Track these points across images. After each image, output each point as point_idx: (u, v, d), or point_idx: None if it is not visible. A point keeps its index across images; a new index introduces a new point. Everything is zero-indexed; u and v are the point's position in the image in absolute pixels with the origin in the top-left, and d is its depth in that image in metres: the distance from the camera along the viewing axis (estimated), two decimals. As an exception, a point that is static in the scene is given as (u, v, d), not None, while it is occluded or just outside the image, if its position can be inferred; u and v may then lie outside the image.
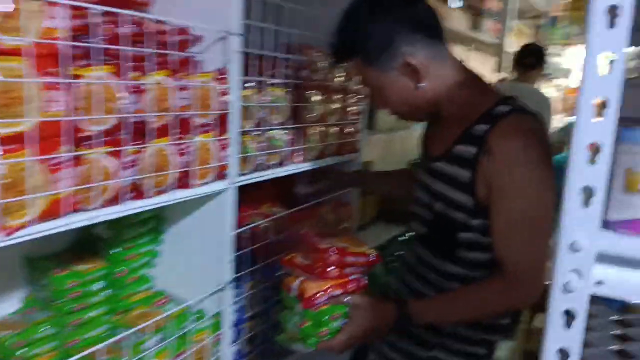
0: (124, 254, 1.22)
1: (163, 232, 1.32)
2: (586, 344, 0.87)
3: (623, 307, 1.08)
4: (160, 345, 1.14)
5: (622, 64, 0.55)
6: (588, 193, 0.57)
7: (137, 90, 0.97)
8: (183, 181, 1.11)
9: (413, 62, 1.12)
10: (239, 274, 1.34)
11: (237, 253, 1.29)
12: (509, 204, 1.07)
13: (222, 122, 1.18)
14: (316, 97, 1.51)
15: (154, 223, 1.29)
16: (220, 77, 1.16)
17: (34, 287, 1.16)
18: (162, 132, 1.04)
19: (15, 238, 0.79)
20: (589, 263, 0.59)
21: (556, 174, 1.03)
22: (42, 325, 1.07)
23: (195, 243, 1.29)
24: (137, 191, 1.01)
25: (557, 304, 0.61)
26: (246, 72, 1.23)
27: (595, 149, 0.56)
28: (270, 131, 1.36)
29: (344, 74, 1.66)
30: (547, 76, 6.25)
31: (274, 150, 1.37)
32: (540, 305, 1.12)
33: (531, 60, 3.48)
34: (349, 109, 1.71)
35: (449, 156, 1.15)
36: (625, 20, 0.54)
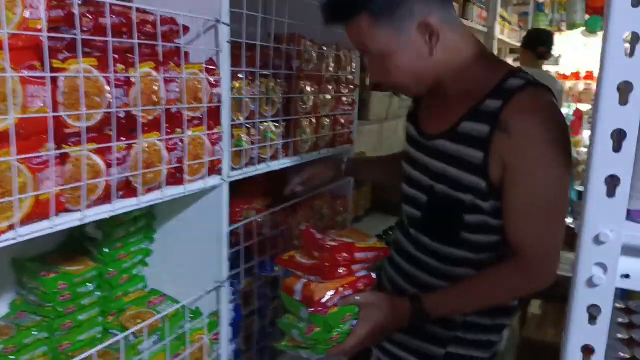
0: (115, 253, 1.18)
1: (155, 230, 1.29)
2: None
3: (624, 293, 1.06)
4: (157, 346, 1.10)
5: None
6: (612, 182, 0.54)
7: (123, 84, 0.93)
8: (174, 177, 1.07)
9: (432, 22, 1.01)
10: (234, 271, 1.30)
11: (232, 250, 1.26)
12: (528, 185, 1.00)
13: (212, 115, 1.14)
14: (308, 88, 1.48)
15: (145, 221, 1.25)
16: (209, 68, 1.12)
17: (22, 290, 1.12)
18: (151, 126, 1.00)
19: (0, 242, 0.75)
20: (615, 256, 0.57)
21: None
22: (32, 329, 1.04)
23: (188, 240, 1.25)
24: (127, 189, 0.97)
25: (581, 299, 0.58)
26: (236, 63, 1.19)
27: (619, 136, 0.53)
28: (263, 123, 1.32)
29: (335, 63, 1.63)
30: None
31: (267, 144, 1.34)
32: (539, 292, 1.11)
33: (542, 49, 3.51)
34: (342, 99, 1.67)
35: (453, 133, 1.08)
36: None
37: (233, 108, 1.21)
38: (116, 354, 1.05)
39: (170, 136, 1.03)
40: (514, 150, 1.00)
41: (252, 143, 1.29)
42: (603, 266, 0.57)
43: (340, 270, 1.05)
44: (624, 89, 0.52)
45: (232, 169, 1.23)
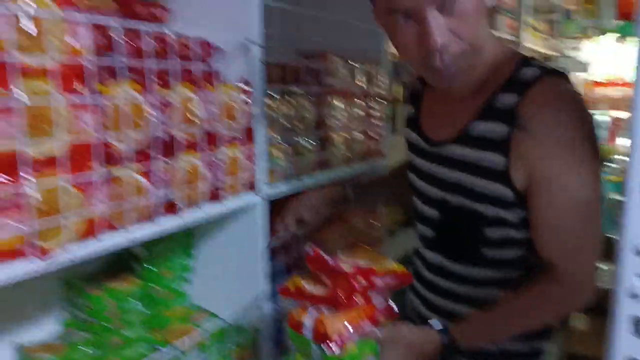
0: (158, 270, 1.22)
1: (196, 247, 1.32)
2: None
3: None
4: (200, 361, 1.12)
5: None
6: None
7: (163, 105, 0.97)
8: (214, 195, 1.10)
9: None
10: (274, 287, 1.32)
11: (271, 265, 1.28)
12: (556, 193, 0.89)
13: (248, 133, 1.17)
14: (339, 104, 1.50)
15: (186, 238, 1.29)
16: (243, 87, 1.15)
17: (72, 308, 1.16)
18: (190, 146, 1.03)
19: (51, 261, 0.79)
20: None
21: None
22: (82, 346, 1.07)
23: (228, 257, 1.28)
24: (169, 207, 1.00)
25: (623, 310, 0.57)
26: (269, 81, 1.23)
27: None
28: (296, 140, 1.35)
29: (366, 78, 1.65)
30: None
31: (301, 160, 1.36)
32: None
33: None
34: (372, 113, 1.69)
35: (465, 137, 0.97)
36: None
37: (268, 126, 1.23)
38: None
39: (208, 154, 1.06)
40: (537, 153, 0.89)
41: (287, 160, 1.32)
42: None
43: (357, 299, 0.90)
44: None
45: (269, 186, 1.25)
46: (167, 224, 0.99)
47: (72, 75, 0.81)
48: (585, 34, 6.28)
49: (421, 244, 1.13)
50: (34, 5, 0.74)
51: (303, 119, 1.37)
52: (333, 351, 0.86)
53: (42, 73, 0.76)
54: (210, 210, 1.08)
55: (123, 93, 0.88)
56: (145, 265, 1.21)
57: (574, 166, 0.89)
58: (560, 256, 0.93)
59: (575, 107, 0.91)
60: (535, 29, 4.53)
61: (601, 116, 4.33)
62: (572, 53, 6.45)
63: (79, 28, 0.81)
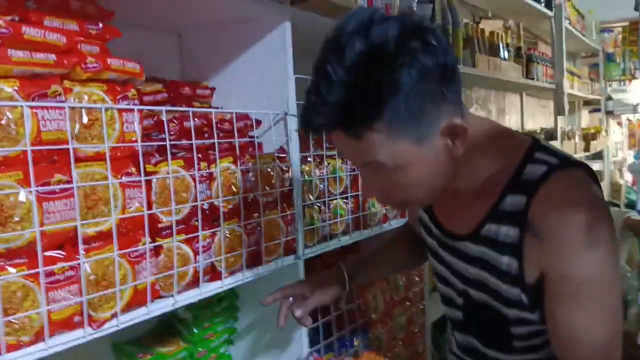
0: (203, 333, 1.26)
1: (239, 309, 1.36)
2: None
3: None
4: None
5: None
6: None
7: (206, 179, 1.04)
8: (254, 259, 1.15)
9: (458, 122, 0.80)
10: (315, 347, 1.34)
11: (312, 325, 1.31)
12: (572, 302, 0.83)
13: (285, 198, 1.23)
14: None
15: (229, 301, 1.34)
16: (280, 156, 1.22)
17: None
18: (231, 214, 1.10)
19: (103, 330, 0.85)
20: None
21: None
22: (131, 409, 1.12)
23: (270, 317, 1.31)
24: (212, 273, 1.06)
25: None
26: (304, 148, 1.29)
27: None
28: (332, 201, 1.40)
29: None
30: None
31: (337, 220, 1.40)
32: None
33: None
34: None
35: (478, 237, 0.91)
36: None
37: (304, 189, 1.29)
38: None
39: (248, 221, 1.12)
40: (549, 260, 0.84)
41: (324, 221, 1.36)
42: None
43: None
44: None
45: (306, 246, 1.30)
46: (210, 288, 1.04)
47: (124, 159, 0.89)
48: (630, 75, 6.20)
49: (450, 324, 1.08)
50: (89, 99, 0.83)
51: (338, 180, 1.42)
52: None
53: (98, 158, 0.84)
54: (251, 274, 1.13)
55: (169, 171, 0.95)
56: (191, 328, 1.25)
57: (591, 272, 0.83)
58: None
59: (591, 203, 0.83)
60: (573, 74, 4.50)
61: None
62: (618, 95, 6.35)
63: (129, 116, 0.89)
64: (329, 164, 1.38)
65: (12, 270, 0.73)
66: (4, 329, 0.72)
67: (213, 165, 1.06)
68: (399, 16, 0.78)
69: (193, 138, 1.00)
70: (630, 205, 4.96)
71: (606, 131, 5.86)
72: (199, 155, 1.03)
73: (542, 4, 3.56)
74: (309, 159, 1.33)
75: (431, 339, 1.98)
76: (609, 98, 6.11)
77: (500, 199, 0.88)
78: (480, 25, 2.88)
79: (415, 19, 0.79)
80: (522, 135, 0.94)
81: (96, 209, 0.84)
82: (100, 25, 0.90)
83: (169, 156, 0.95)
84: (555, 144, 3.74)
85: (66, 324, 0.80)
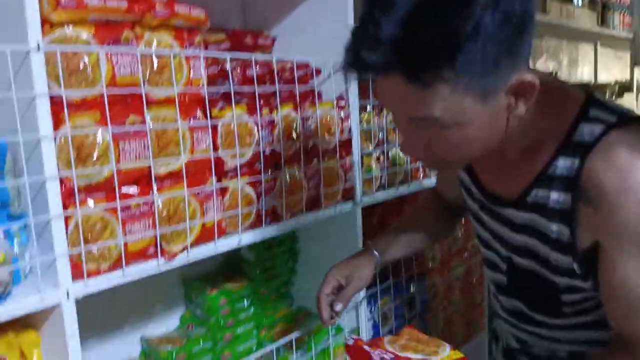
0: (265, 273, 1.33)
1: (299, 252, 1.42)
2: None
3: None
4: (304, 358, 1.21)
5: None
6: None
7: (268, 125, 1.08)
8: (314, 204, 1.19)
9: (529, 78, 0.71)
10: (371, 291, 1.39)
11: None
12: (626, 275, 0.76)
13: (344, 146, 1.25)
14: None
15: (289, 244, 1.39)
16: (340, 104, 1.23)
17: (190, 306, 1.30)
18: (292, 160, 1.13)
19: (174, 262, 0.91)
20: None
21: None
22: (199, 340, 1.20)
23: (328, 261, 1.36)
24: (273, 215, 1.11)
25: None
26: (364, 96, 1.30)
27: None
28: (391, 151, 1.41)
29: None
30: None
31: (396, 170, 1.42)
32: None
33: None
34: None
35: (525, 203, 0.84)
36: None
37: (363, 138, 1.31)
38: (270, 363, 1.18)
39: (308, 167, 1.16)
40: (604, 231, 0.77)
41: (382, 170, 1.38)
42: None
43: None
44: None
45: (364, 194, 1.32)
46: (272, 230, 1.09)
47: (191, 103, 0.94)
48: None
49: (493, 287, 1.02)
50: (159, 45, 0.88)
51: (397, 129, 1.42)
52: None
53: (167, 102, 0.89)
54: (310, 217, 1.17)
55: (234, 116, 0.99)
56: (254, 268, 1.32)
57: None
58: (633, 337, 0.80)
59: None
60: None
61: None
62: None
63: (196, 62, 0.93)
64: (388, 113, 1.38)
65: (92, 203, 0.80)
66: (85, 256, 0.79)
67: (274, 112, 1.09)
68: None
69: (255, 85, 1.03)
70: None
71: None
72: (261, 102, 1.06)
73: (623, -55, 3.32)
74: (368, 108, 1.33)
75: (489, 291, 1.98)
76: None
77: (550, 162, 0.80)
78: (553, -30, 2.73)
79: None
80: (575, 89, 0.83)
81: (167, 150, 0.89)
82: (167, -27, 0.93)
83: (233, 102, 0.98)
84: (630, 97, 3.54)
85: (141, 255, 0.87)
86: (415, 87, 0.68)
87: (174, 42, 0.91)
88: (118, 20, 0.84)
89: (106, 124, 0.80)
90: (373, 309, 1.43)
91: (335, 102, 1.22)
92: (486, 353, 1.98)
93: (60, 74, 0.75)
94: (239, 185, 1.01)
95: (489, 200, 0.92)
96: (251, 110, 1.04)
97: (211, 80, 1.01)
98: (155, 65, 0.87)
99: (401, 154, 1.43)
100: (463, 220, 1.43)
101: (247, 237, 1.04)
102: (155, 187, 0.87)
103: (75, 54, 0.78)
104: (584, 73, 3.86)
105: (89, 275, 0.80)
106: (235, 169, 1.01)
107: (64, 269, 0.77)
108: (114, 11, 0.83)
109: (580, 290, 0.85)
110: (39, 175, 0.74)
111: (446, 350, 0.86)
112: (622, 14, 3.50)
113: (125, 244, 0.84)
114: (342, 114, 1.23)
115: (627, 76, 3.88)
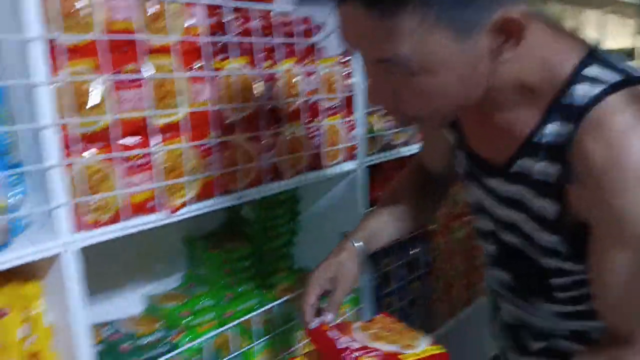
0: (266, 233, 1.32)
1: (300, 212, 1.41)
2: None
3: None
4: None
5: None
6: None
7: (270, 79, 1.05)
8: (315, 162, 1.17)
9: (516, 16, 0.60)
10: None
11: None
12: (633, 255, 0.65)
13: (348, 104, 1.23)
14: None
15: (291, 204, 1.38)
16: (343, 60, 1.21)
17: (192, 264, 1.30)
18: (294, 116, 1.11)
19: (178, 215, 0.90)
20: None
21: None
22: (202, 298, 1.20)
23: (330, 222, 1.36)
24: (275, 173, 1.09)
25: None
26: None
27: None
28: (395, 110, 1.39)
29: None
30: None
31: (400, 130, 1.40)
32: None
33: None
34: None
35: (510, 174, 0.75)
36: None
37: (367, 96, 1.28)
38: (274, 322, 1.18)
39: (310, 125, 1.14)
40: (593, 212, 0.67)
41: (386, 130, 1.36)
42: None
43: None
44: None
45: (368, 154, 1.31)
46: (273, 187, 1.08)
47: (190, 53, 0.91)
48: None
49: (485, 259, 0.95)
50: (158, -9, 0.85)
51: (401, 89, 1.40)
52: None
53: (165, 51, 0.86)
54: (311, 176, 1.16)
55: (234, 68, 0.97)
56: (254, 228, 1.31)
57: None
58: (623, 328, 0.70)
59: None
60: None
61: None
62: None
63: (195, 10, 0.90)
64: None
65: (90, 153, 0.78)
66: (84, 207, 0.78)
67: (275, 66, 1.06)
68: None
69: (256, 36, 1.01)
70: None
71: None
72: (261, 55, 1.03)
73: None
74: (371, 65, 1.30)
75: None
76: None
77: (538, 127, 0.70)
78: None
79: None
80: (577, 41, 0.71)
81: (166, 100, 0.87)
82: None
83: (233, 52, 0.96)
84: (633, 65, 3.50)
85: (141, 208, 0.86)
86: (377, 18, 0.60)
87: (172, -11, 0.88)
88: (113, -36, 0.81)
89: (102, 72, 0.78)
90: (375, 269, 1.43)
91: (338, 58, 1.19)
92: (486, 317, 2.00)
93: (55, 16, 0.72)
94: (240, 140, 1.00)
95: (476, 166, 0.83)
96: (252, 64, 1.01)
97: (212, 31, 0.98)
98: (151, 11, 0.84)
99: (404, 114, 1.40)
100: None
101: (248, 194, 1.03)
102: (154, 139, 0.85)
103: (70, -3, 0.75)
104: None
105: (89, 226, 0.79)
106: (236, 123, 0.99)
107: (63, 219, 0.75)
108: (109, -45, 0.80)
109: (570, 274, 0.77)
110: (36, 122, 0.72)
111: (422, 344, 0.76)
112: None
113: (125, 196, 0.82)
114: (345, 71, 1.21)
115: (632, 43, 3.83)
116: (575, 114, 0.66)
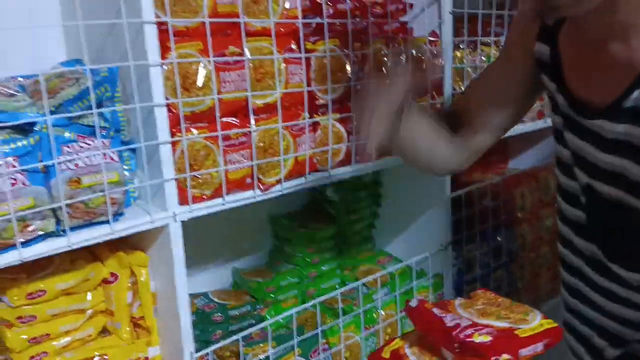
0: (349, 215, 1.34)
1: (382, 196, 1.41)
2: None
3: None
4: (388, 297, 1.22)
5: None
6: None
7: (360, 60, 1.06)
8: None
9: None
10: (457, 237, 1.36)
11: (454, 217, 1.32)
12: None
13: (436, 85, 1.21)
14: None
15: (374, 188, 1.39)
16: (432, 40, 1.19)
17: (277, 242, 1.34)
18: (383, 98, 1.11)
19: (272, 192, 0.93)
20: None
21: None
22: (286, 275, 1.24)
23: (414, 206, 1.35)
24: (362, 154, 1.10)
25: None
26: (458, 33, 1.24)
27: None
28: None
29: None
30: None
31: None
32: None
33: None
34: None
35: (620, 111, 0.67)
36: None
37: (455, 77, 1.26)
38: (355, 300, 1.19)
39: (398, 106, 1.13)
40: None
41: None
42: None
43: None
44: None
45: (455, 137, 1.29)
46: (360, 168, 1.09)
47: (286, 35, 0.93)
48: None
49: (566, 226, 0.86)
50: (258, -26, 0.87)
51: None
52: None
53: (266, 33, 0.89)
54: (398, 160, 1.15)
55: (327, 49, 0.98)
56: (338, 209, 1.33)
57: None
58: None
59: None
60: None
61: None
62: None
63: (292, -7, 0.92)
64: (483, 51, 1.32)
65: (195, 131, 0.82)
66: (190, 182, 0.82)
67: (366, 47, 1.06)
68: None
69: (349, 18, 1.01)
70: None
71: None
72: (353, 36, 1.04)
73: None
74: (461, 46, 1.28)
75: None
76: None
77: None
78: None
79: None
80: None
81: (264, 82, 0.89)
82: None
83: (326, 34, 0.97)
84: None
85: (239, 184, 0.89)
86: None
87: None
88: (218, -51, 0.84)
89: (208, 55, 0.81)
90: (458, 255, 1.41)
91: (427, 38, 1.18)
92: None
93: (167, 1, 0.76)
94: (330, 121, 1.01)
95: (576, 110, 0.75)
96: (343, 45, 1.02)
97: (304, 14, 1.00)
98: (255, -4, 0.87)
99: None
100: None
101: (337, 173, 1.04)
102: (252, 119, 0.88)
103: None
104: None
105: (194, 200, 0.84)
106: (327, 104, 1.01)
107: (171, 192, 0.80)
108: (213, -60, 0.82)
109: None
110: (148, 102, 0.76)
111: (537, 317, 0.71)
112: None
113: (226, 173, 0.86)
114: (434, 50, 1.19)
115: None
116: None
